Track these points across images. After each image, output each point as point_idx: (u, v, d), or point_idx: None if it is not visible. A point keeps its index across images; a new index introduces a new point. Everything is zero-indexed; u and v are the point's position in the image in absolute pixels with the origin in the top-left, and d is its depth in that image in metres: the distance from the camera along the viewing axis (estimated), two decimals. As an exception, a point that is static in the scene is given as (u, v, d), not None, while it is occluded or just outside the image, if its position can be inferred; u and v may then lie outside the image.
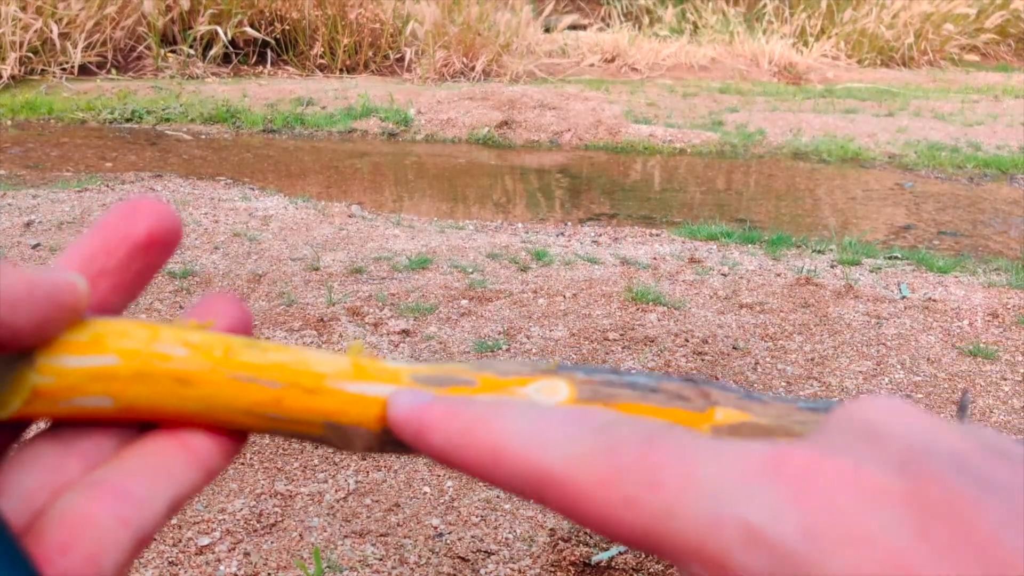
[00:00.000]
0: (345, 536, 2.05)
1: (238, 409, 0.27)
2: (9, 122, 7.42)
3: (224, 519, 2.09)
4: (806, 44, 12.08)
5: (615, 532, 0.22)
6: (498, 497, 2.23)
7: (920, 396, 2.85)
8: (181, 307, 3.32)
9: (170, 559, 1.94)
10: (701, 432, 0.22)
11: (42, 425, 0.27)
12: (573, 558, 1.99)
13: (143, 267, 0.28)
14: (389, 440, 0.28)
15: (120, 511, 0.24)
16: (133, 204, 0.28)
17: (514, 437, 0.24)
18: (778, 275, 3.98)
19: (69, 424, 0.27)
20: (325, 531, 2.07)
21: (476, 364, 0.30)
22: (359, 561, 1.96)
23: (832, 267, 4.15)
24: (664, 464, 0.21)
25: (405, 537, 2.06)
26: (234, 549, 1.99)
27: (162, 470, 0.26)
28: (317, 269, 3.82)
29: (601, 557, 1.98)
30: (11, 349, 0.24)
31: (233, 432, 0.28)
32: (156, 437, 0.27)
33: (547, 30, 11.36)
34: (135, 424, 0.28)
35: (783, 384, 2.91)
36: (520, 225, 4.95)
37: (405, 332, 3.17)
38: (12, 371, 0.25)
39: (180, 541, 2.01)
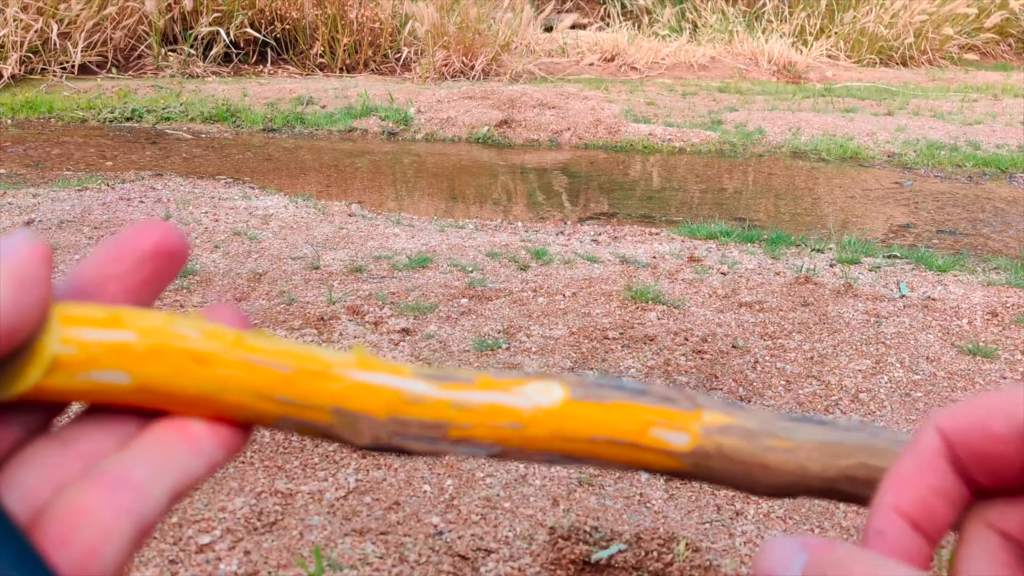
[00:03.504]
0: (345, 534, 2.06)
1: (250, 391, 0.28)
2: (9, 121, 7.42)
3: (224, 517, 2.10)
4: (805, 43, 12.08)
5: None
6: (498, 496, 2.23)
7: (920, 395, 2.86)
8: (182, 306, 3.33)
9: (170, 557, 1.95)
10: None
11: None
12: (573, 556, 1.99)
13: (150, 275, 0.28)
14: (396, 432, 0.29)
15: (119, 500, 0.25)
16: (142, 223, 0.29)
17: None
18: (777, 274, 3.99)
19: (71, 425, 0.28)
20: (325, 529, 2.07)
21: (472, 371, 0.31)
22: (359, 559, 1.97)
23: (831, 266, 4.15)
24: None
25: (405, 535, 2.06)
26: (234, 547, 2.00)
27: (162, 458, 0.26)
28: (317, 268, 3.83)
29: (601, 555, 1.99)
30: (30, 336, 0.25)
31: (236, 425, 0.28)
32: (156, 428, 0.27)
33: (547, 30, 11.36)
34: (139, 420, 0.28)
35: (783, 383, 2.92)
36: (520, 224, 4.95)
37: (405, 331, 3.18)
38: (30, 343, 0.26)
39: (180, 539, 2.01)
